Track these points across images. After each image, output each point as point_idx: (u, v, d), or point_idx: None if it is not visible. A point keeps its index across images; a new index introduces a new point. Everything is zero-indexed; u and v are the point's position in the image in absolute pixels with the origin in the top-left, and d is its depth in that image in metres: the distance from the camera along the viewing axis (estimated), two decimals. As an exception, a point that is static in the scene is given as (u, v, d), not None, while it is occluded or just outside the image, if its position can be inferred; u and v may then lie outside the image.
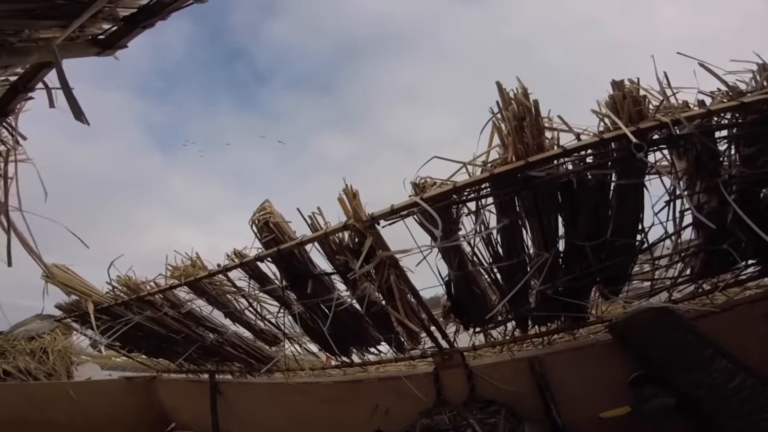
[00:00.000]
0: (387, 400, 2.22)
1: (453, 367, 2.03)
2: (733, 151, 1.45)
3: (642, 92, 1.38)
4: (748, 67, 1.49)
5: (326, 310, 2.07)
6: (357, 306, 2.10)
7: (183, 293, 2.67)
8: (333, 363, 2.59)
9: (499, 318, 1.99)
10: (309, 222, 1.84)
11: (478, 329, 2.07)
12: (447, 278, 1.82)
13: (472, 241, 1.66)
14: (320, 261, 2.04)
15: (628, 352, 1.74)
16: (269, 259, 2.06)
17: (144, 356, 3.33)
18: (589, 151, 1.39)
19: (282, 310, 2.29)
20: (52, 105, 1.36)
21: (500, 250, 1.66)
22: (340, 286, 2.07)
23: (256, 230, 2.03)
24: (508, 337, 2.06)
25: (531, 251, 1.62)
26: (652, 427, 1.72)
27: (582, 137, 1.39)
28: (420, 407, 1.99)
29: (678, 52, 1.55)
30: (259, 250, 2.06)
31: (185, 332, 2.75)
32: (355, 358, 2.47)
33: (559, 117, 1.45)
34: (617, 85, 1.41)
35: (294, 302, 2.23)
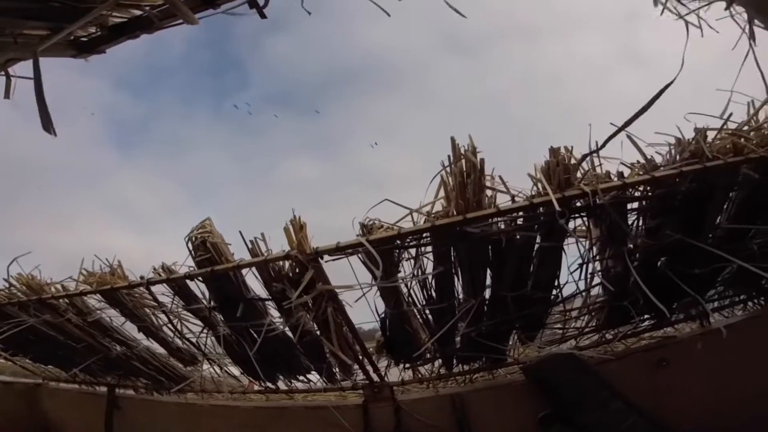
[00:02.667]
0: (312, 430, 2.19)
1: (382, 401, 2.07)
2: (640, 222, 1.63)
3: (573, 160, 1.52)
4: (670, 139, 1.68)
5: (255, 335, 2.01)
6: (289, 334, 2.06)
7: (94, 301, 2.45)
8: (256, 388, 2.50)
9: (428, 356, 2.08)
10: (250, 246, 1.79)
11: (407, 365, 2.13)
12: (383, 315, 1.85)
13: (409, 284, 1.71)
14: (256, 285, 1.98)
15: (539, 393, 1.88)
16: (200, 278, 1.96)
17: (29, 361, 2.99)
18: (520, 213, 1.50)
19: (205, 331, 2.18)
20: (7, 96, 1.23)
21: (433, 294, 1.74)
22: (274, 312, 2.02)
23: (191, 248, 1.93)
24: (434, 374, 2.14)
25: (460, 297, 1.70)
26: None
27: (516, 198, 1.50)
28: None
29: (610, 123, 1.71)
30: (191, 268, 1.95)
31: (88, 341, 2.51)
32: (282, 385, 2.42)
33: (500, 177, 1.56)
34: (553, 151, 1.53)
35: (220, 323, 2.14)
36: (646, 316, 1.93)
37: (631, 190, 1.54)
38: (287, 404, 2.38)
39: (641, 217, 1.62)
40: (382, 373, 2.12)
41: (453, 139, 1.56)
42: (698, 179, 1.56)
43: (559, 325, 1.89)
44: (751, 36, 1.35)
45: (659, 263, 1.70)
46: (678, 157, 1.60)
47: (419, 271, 1.64)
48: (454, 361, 2.09)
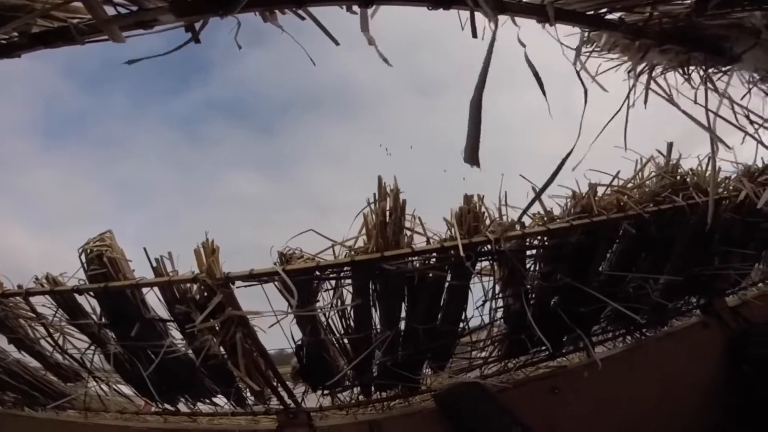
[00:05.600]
0: None
1: (298, 426, 2.05)
2: (537, 267, 1.85)
3: (483, 208, 1.70)
4: (569, 191, 1.90)
5: (153, 356, 1.93)
6: (193, 356, 2.00)
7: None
8: (153, 409, 2.36)
9: (346, 383, 2.12)
10: (154, 265, 1.74)
11: (326, 391, 2.15)
12: (299, 343, 1.89)
13: (327, 314, 1.77)
14: (158, 305, 1.89)
15: (447, 421, 2.00)
16: (91, 293, 1.84)
17: None
18: (433, 254, 1.65)
19: (93, 347, 2.03)
20: None
21: (351, 324, 1.81)
22: (177, 333, 1.95)
23: (84, 260, 1.81)
24: (353, 401, 2.17)
25: (377, 328, 1.80)
26: None
27: (431, 240, 1.65)
28: None
29: (520, 174, 1.93)
30: (82, 281, 1.83)
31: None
32: (183, 407, 2.31)
33: (419, 219, 1.70)
34: (467, 199, 1.71)
35: (111, 341, 2.00)
36: (542, 348, 2.17)
37: (529, 239, 1.76)
38: (189, 427, 2.26)
39: (538, 263, 1.84)
40: (299, 399, 2.11)
41: (380, 178, 1.67)
42: (586, 231, 1.81)
43: (466, 355, 2.05)
44: (645, 99, 1.61)
45: (552, 302, 1.94)
46: (572, 210, 1.85)
47: (338, 302, 1.72)
48: (372, 389, 2.16)
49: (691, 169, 2.11)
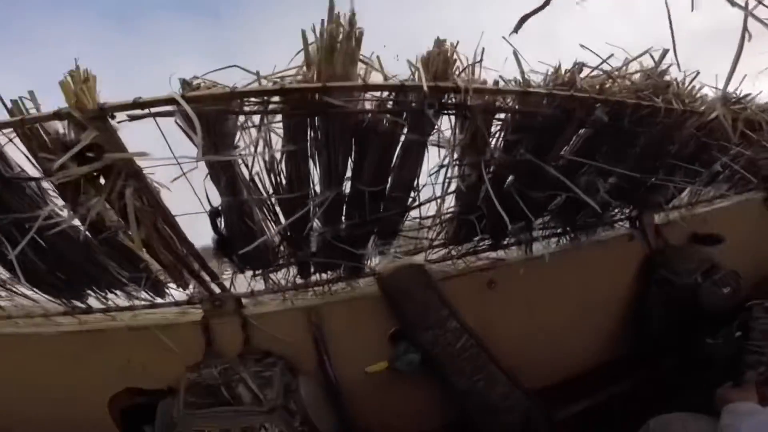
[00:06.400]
0: (142, 354, 1.80)
1: (225, 316, 1.79)
2: (501, 136, 1.65)
3: (455, 56, 1.41)
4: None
5: (38, 238, 1.50)
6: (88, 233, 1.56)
7: None
8: (62, 309, 1.96)
9: (280, 261, 1.85)
10: (8, 107, 1.23)
11: (257, 272, 1.87)
12: (215, 207, 1.55)
13: (249, 163, 1.43)
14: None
15: (389, 307, 1.86)
16: None
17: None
18: (390, 97, 1.35)
19: None
20: None
21: (283, 181, 1.50)
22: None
23: None
24: (289, 284, 1.92)
25: (315, 188, 1.52)
26: (408, 383, 1.88)
27: (390, 81, 1.33)
28: (186, 360, 1.68)
29: (503, 36, 1.65)
30: None
31: None
32: (97, 304, 1.94)
33: (377, 58, 1.36)
34: (439, 42, 1.39)
35: None
36: (486, 236, 2.07)
37: (501, 99, 1.52)
38: (106, 326, 1.89)
39: (504, 131, 1.63)
40: (226, 284, 1.81)
41: (331, 1, 1.29)
42: (562, 106, 1.62)
43: (413, 234, 1.87)
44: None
45: (507, 182, 1.78)
46: (551, 84, 1.64)
47: (265, 147, 1.38)
48: (311, 269, 1.92)
49: (676, 79, 1.99)
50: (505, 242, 2.19)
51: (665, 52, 1.87)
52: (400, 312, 1.85)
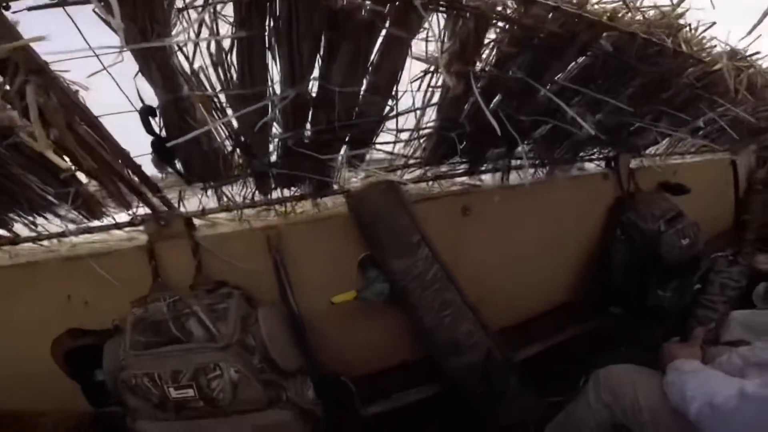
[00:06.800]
0: (83, 288, 1.61)
1: (173, 239, 1.58)
2: (496, 48, 1.43)
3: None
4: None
5: None
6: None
7: None
8: None
9: (235, 172, 1.62)
10: None
11: (208, 186, 1.62)
12: (147, 105, 1.28)
13: (189, 50, 1.16)
14: None
15: (359, 228, 1.70)
16: None
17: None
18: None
19: None
20: None
21: (234, 76, 1.24)
22: None
23: None
24: (245, 202, 1.70)
25: (275, 87, 1.27)
26: (374, 315, 1.76)
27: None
28: (133, 293, 1.49)
29: None
30: None
31: None
32: (25, 231, 1.67)
33: None
34: None
35: None
36: (464, 159, 1.93)
37: (502, 3, 1.28)
38: (40, 258, 1.65)
39: (498, 43, 1.41)
40: (174, 202, 1.60)
41: None
42: (568, 26, 1.40)
43: (388, 148, 1.67)
44: None
45: (494, 102, 1.60)
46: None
47: (210, 33, 1.10)
48: (272, 184, 1.70)
49: (690, 25, 1.79)
50: (483, 168, 2.06)
51: None
52: (371, 236, 1.70)
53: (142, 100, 1.28)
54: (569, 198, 2.46)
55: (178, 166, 1.51)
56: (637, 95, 1.99)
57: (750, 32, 2.01)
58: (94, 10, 0.97)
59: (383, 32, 1.20)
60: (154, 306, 1.43)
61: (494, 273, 2.14)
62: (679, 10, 1.68)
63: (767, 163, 3.98)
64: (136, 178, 1.50)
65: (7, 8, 0.93)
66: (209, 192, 1.66)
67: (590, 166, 2.68)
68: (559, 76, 1.69)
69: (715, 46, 2.06)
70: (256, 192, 1.74)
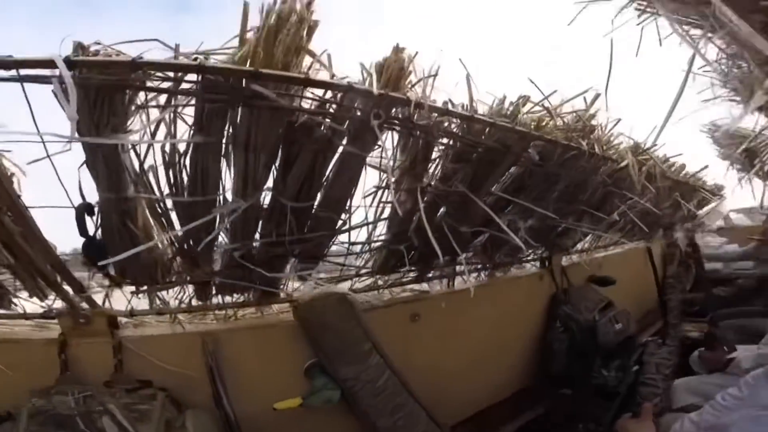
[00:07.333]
0: None
1: (93, 336, 1.41)
2: (441, 163, 1.55)
3: (411, 69, 1.28)
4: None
5: None
6: None
7: None
8: None
9: (172, 278, 1.51)
10: None
11: (140, 289, 1.49)
12: (86, 203, 1.19)
13: (142, 151, 1.12)
14: None
15: (307, 338, 1.62)
16: None
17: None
18: (335, 99, 1.17)
19: None
20: None
21: (185, 180, 1.20)
22: None
23: None
24: (181, 305, 1.58)
25: (226, 193, 1.24)
26: (321, 420, 1.65)
27: (337, 79, 1.14)
28: (36, 383, 1.31)
29: (460, 59, 1.53)
30: None
31: None
32: None
33: (328, 55, 1.17)
34: (396, 50, 1.25)
35: None
36: (412, 268, 1.96)
37: (448, 122, 1.43)
38: None
39: (445, 157, 1.54)
40: (97, 299, 1.43)
41: None
42: (503, 140, 1.59)
43: (339, 260, 1.65)
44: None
45: (440, 211, 1.69)
46: (495, 115, 1.60)
47: (167, 134, 1.09)
48: (213, 290, 1.58)
49: (601, 125, 2.14)
50: (430, 275, 2.10)
51: (597, 96, 1.97)
52: (319, 344, 1.62)
53: (81, 196, 1.17)
54: (510, 297, 2.58)
55: (110, 269, 1.38)
56: (561, 198, 2.24)
57: (655, 135, 2.28)
58: (52, 91, 0.93)
59: (340, 149, 1.25)
60: (59, 399, 1.28)
61: (446, 373, 2.11)
62: (592, 111, 1.98)
63: (674, 258, 4.52)
64: (57, 276, 1.33)
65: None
66: (141, 294, 1.52)
67: (527, 267, 2.87)
68: (495, 187, 1.86)
69: (622, 143, 2.39)
70: (194, 297, 1.61)
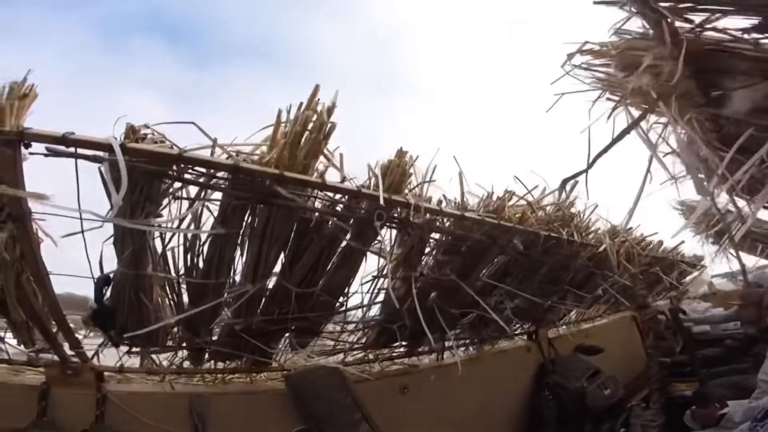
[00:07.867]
0: None
1: (77, 387, 1.41)
2: (434, 254, 1.68)
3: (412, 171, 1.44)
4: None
5: None
6: None
7: None
8: None
9: (169, 343, 1.56)
10: None
11: (134, 348, 1.54)
12: (106, 275, 1.28)
13: (165, 236, 1.23)
14: None
15: (296, 406, 1.66)
16: None
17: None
18: (343, 200, 1.32)
19: None
20: None
21: (200, 263, 1.30)
22: None
23: None
24: (172, 366, 1.62)
25: (235, 277, 1.34)
26: None
27: (347, 183, 1.30)
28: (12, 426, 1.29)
29: (454, 157, 1.69)
30: None
31: None
32: None
33: (340, 155, 1.32)
34: (399, 153, 1.42)
35: None
36: (403, 343, 2.03)
37: (441, 220, 1.58)
38: None
39: (437, 250, 1.68)
40: (88, 353, 1.46)
41: (316, 87, 1.23)
42: (489, 233, 1.74)
43: (333, 336, 1.74)
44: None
45: (430, 297, 1.80)
46: (483, 210, 1.75)
47: (192, 224, 1.20)
48: (206, 356, 1.63)
49: (579, 211, 2.33)
50: (420, 350, 2.17)
51: (574, 185, 2.14)
52: (309, 412, 1.66)
53: (101, 268, 1.26)
54: (499, 369, 2.62)
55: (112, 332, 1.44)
56: (545, 280, 2.37)
57: (629, 217, 2.26)
58: (100, 171, 1.02)
59: (343, 243, 1.38)
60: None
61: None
62: (570, 200, 2.16)
63: (650, 331, 4.60)
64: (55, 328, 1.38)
65: (28, 146, 0.97)
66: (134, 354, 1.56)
67: (515, 340, 2.94)
68: (482, 273, 1.99)
69: (599, 228, 2.56)
70: (187, 360, 1.65)
